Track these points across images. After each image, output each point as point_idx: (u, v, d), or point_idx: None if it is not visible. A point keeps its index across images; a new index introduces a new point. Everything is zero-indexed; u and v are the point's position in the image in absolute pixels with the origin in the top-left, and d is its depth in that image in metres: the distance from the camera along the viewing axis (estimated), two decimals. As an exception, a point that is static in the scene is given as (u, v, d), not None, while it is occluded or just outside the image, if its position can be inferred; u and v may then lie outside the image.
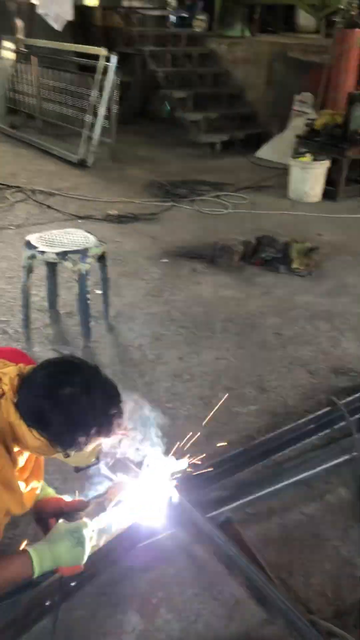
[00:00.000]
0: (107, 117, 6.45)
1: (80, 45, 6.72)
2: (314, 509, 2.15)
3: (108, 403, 1.50)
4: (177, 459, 1.96)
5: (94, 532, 1.63)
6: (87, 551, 1.58)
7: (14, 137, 7.53)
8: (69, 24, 7.75)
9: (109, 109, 6.40)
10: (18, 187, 5.55)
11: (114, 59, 6.11)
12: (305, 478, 2.23)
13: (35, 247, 2.93)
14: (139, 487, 1.83)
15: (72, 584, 1.67)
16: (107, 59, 6.15)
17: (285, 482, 2.16)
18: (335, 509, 2.15)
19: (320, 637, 1.55)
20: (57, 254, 2.88)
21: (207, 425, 2.47)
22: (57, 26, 7.54)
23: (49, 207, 5.11)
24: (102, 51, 6.13)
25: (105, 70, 6.19)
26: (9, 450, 1.52)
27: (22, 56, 7.75)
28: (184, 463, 1.96)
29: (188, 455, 2.01)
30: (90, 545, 1.60)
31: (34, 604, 1.58)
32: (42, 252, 2.90)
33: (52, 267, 3.21)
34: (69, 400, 1.44)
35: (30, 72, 7.58)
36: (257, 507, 2.12)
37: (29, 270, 3.01)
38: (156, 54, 8.24)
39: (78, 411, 1.44)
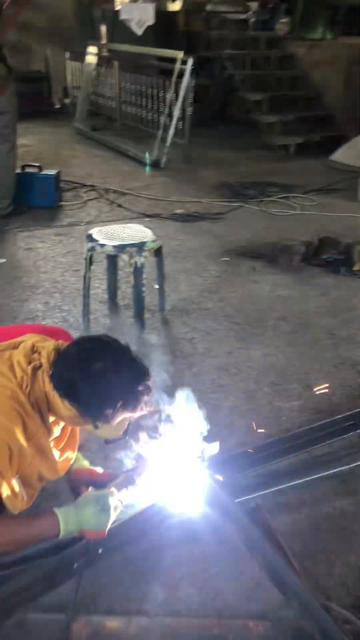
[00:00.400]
0: (182, 119, 6.60)
1: (158, 49, 6.92)
2: (346, 504, 2.16)
3: (135, 380, 1.60)
4: (209, 442, 2.02)
5: (120, 502, 1.73)
6: (111, 519, 1.68)
7: (93, 139, 7.84)
8: (153, 29, 7.97)
9: (183, 111, 6.54)
10: (92, 186, 5.80)
11: (189, 62, 6.25)
12: (340, 473, 2.24)
13: (95, 240, 3.09)
14: (168, 464, 1.91)
15: (99, 550, 1.78)
16: (184, 62, 6.30)
17: (319, 475, 2.19)
18: (367, 504, 2.16)
19: (332, 622, 1.58)
20: (115, 246, 3.03)
21: (248, 417, 2.54)
22: (138, 31, 7.77)
23: (119, 205, 5.31)
24: (178, 54, 6.28)
25: (181, 73, 6.34)
26: (44, 419, 1.64)
27: (105, 60, 8.05)
28: (215, 446, 2.03)
29: (220, 439, 2.07)
30: (115, 514, 1.70)
31: (61, 565, 1.70)
32: (102, 245, 3.06)
33: (112, 260, 3.36)
34: (98, 374, 1.55)
35: (111, 76, 7.86)
36: (288, 497, 2.16)
37: (90, 262, 3.17)
38: (235, 57, 8.33)
39: (105, 385, 1.55)
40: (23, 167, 5.15)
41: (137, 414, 1.66)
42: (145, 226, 3.34)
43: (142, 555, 1.90)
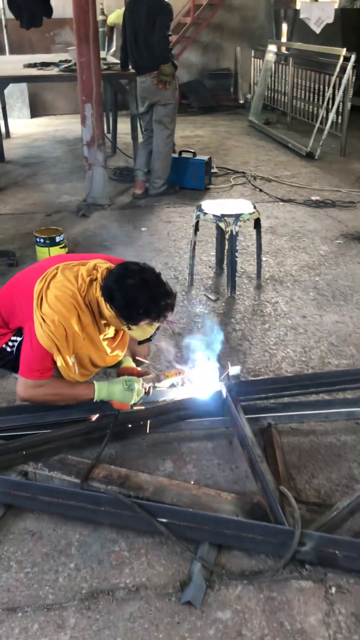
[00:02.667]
0: (341, 113, 6.84)
1: (322, 47, 7.19)
2: (350, 439, 2.49)
3: (157, 296, 2.15)
4: (232, 365, 2.51)
5: (144, 389, 2.32)
6: (134, 397, 2.28)
7: (262, 132, 8.35)
8: (338, 26, 8.22)
9: (342, 105, 6.78)
10: (242, 172, 6.34)
11: (352, 58, 6.47)
12: (355, 415, 2.57)
13: (202, 210, 3.66)
14: (193, 375, 2.44)
15: (129, 425, 2.38)
16: (347, 59, 6.55)
17: (333, 410, 2.54)
18: (371, 444, 2.47)
19: (278, 502, 1.99)
20: (215, 215, 3.57)
21: (297, 367, 2.95)
22: (317, 29, 8.08)
23: (260, 190, 5.80)
24: (341, 51, 6.54)
25: (344, 69, 6.60)
26: (95, 318, 2.28)
27: (282, 58, 8.50)
28: (237, 369, 2.50)
29: (242, 364, 2.54)
30: (137, 396, 2.29)
31: (96, 427, 2.34)
32: (205, 214, 3.62)
33: (220, 230, 3.90)
34: (129, 286, 2.14)
35: (286, 72, 8.30)
36: (301, 425, 2.55)
37: (196, 228, 3.75)
38: None
39: (133, 294, 2.13)
40: (180, 152, 5.88)
41: (159, 323, 2.22)
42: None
43: (162, 441, 2.46)
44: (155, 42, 5.02)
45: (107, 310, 2.22)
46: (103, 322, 2.31)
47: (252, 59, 9.51)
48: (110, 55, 6.21)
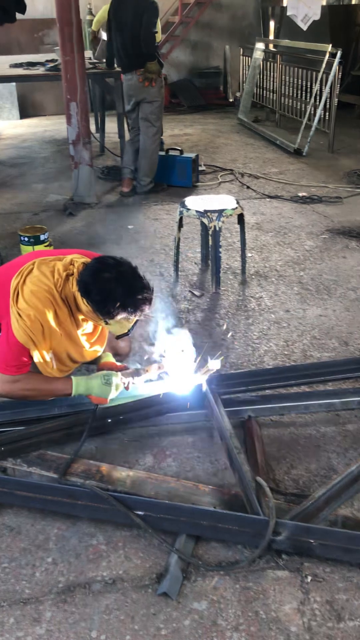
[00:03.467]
0: (328, 110, 6.86)
1: (309, 43, 7.20)
2: (330, 431, 2.50)
3: (134, 290, 2.15)
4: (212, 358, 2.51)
5: (123, 384, 2.32)
6: (112, 392, 2.28)
7: (251, 129, 8.37)
8: (326, 23, 8.23)
9: (329, 101, 6.79)
10: (231, 170, 6.35)
11: (338, 54, 6.49)
12: (337, 408, 2.57)
13: (185, 206, 3.66)
14: (172, 369, 2.44)
15: (109, 420, 2.38)
16: (333, 55, 6.56)
17: (313, 402, 2.54)
18: (350, 435, 2.47)
19: (254, 492, 2.00)
20: (198, 211, 3.58)
21: (279, 360, 2.95)
22: (304, 26, 8.09)
23: (248, 187, 5.80)
24: (327, 48, 6.55)
25: (331, 66, 6.61)
26: (72, 313, 2.28)
27: (270, 55, 8.51)
28: (218, 363, 2.50)
29: (223, 356, 2.54)
30: (116, 391, 2.29)
31: (75, 423, 2.34)
32: (188, 209, 3.63)
33: (205, 226, 3.91)
34: (105, 280, 2.13)
35: (274, 70, 8.31)
36: (282, 418, 2.56)
37: (180, 224, 3.75)
38: None
39: (109, 288, 2.13)
40: (167, 150, 5.88)
41: (136, 317, 2.22)
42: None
43: (144, 435, 2.46)
44: (142, 39, 5.02)
45: (83, 305, 2.22)
46: (81, 317, 2.31)
47: (241, 57, 9.51)
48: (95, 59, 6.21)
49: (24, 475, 2.20)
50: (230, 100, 10.58)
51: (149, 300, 2.20)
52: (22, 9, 4.14)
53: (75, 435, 2.34)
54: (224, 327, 3.18)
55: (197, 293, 3.67)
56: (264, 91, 8.92)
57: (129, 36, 5.10)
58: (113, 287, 2.13)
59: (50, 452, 2.29)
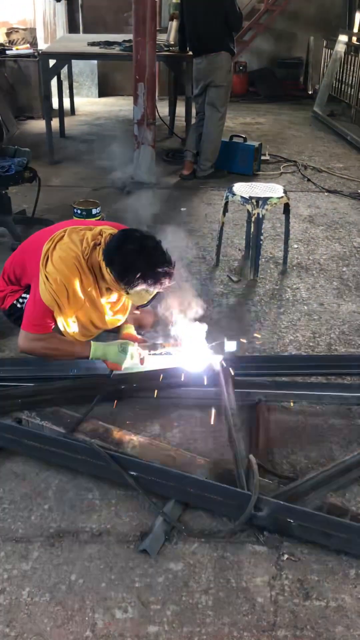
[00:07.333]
0: None
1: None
2: (338, 423, 2.51)
3: (154, 262, 2.24)
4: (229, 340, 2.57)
5: (139, 354, 2.42)
6: (127, 360, 2.39)
7: (324, 123, 8.23)
8: None
9: None
10: (294, 161, 6.30)
11: None
12: (348, 401, 2.58)
13: (232, 192, 3.71)
14: (190, 347, 2.52)
15: (122, 387, 2.49)
16: None
17: (326, 393, 2.56)
18: (357, 429, 2.47)
19: (243, 462, 2.06)
20: (243, 197, 3.61)
21: (303, 350, 2.98)
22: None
23: (308, 179, 5.76)
24: None
25: None
26: (97, 281, 2.39)
27: (352, 48, 8.32)
28: (234, 345, 2.56)
29: (240, 339, 2.59)
30: (131, 360, 2.40)
31: (91, 385, 2.46)
32: (234, 195, 3.67)
33: (249, 213, 3.93)
34: (127, 251, 2.24)
35: (354, 64, 8.12)
36: (293, 405, 2.59)
37: (225, 209, 3.80)
38: None
39: (131, 259, 2.23)
40: (231, 137, 5.90)
41: (156, 290, 2.31)
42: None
43: (155, 406, 2.56)
44: (228, 20, 5.09)
45: (107, 274, 2.33)
46: (105, 286, 2.42)
47: (324, 49, 9.34)
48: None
49: (36, 428, 2.34)
50: (310, 92, 10.41)
51: (169, 275, 2.28)
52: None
53: (90, 397, 2.46)
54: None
55: (234, 278, 3.72)
56: (343, 85, 8.74)
57: (201, 20, 5.15)
58: (135, 259, 2.23)
59: (64, 409, 2.42)
